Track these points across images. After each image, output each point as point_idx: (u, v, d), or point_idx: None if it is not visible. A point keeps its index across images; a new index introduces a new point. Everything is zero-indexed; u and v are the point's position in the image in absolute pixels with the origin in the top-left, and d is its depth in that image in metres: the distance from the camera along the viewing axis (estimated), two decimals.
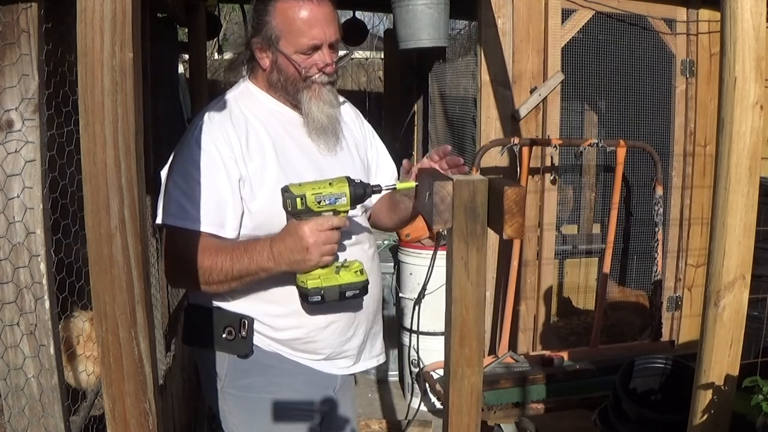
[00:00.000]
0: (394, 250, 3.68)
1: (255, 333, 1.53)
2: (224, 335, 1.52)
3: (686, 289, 3.70)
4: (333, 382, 1.64)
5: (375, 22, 8.54)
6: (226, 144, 1.47)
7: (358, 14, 5.27)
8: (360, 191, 1.40)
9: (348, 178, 1.41)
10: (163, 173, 1.55)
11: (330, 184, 1.39)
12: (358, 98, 7.41)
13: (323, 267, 1.42)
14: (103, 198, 0.99)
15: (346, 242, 1.55)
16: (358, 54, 7.25)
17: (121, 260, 1.01)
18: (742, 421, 1.50)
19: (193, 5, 3.59)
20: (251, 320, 1.52)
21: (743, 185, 1.39)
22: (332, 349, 1.58)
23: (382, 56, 5.96)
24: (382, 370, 3.83)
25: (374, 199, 1.65)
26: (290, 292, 1.50)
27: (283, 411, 1.57)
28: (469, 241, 1.11)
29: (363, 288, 1.46)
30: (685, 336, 3.66)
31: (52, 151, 1.71)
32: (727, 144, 1.40)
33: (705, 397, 1.48)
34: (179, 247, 1.45)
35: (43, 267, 1.64)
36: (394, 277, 3.67)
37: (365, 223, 1.67)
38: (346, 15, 5.48)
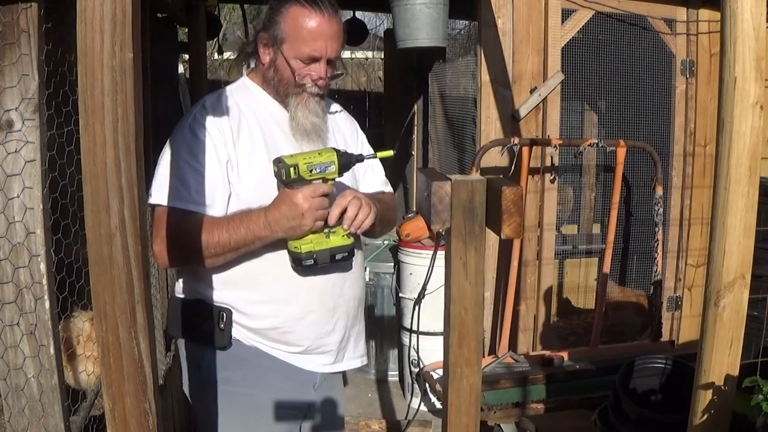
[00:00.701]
0: (394, 250, 3.68)
1: (234, 324, 1.57)
2: (204, 327, 1.57)
3: (686, 289, 3.70)
4: (312, 379, 1.65)
5: (375, 22, 8.54)
6: (217, 128, 1.54)
7: (358, 14, 5.27)
8: (346, 160, 1.53)
9: (334, 148, 1.53)
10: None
11: (319, 153, 1.50)
12: (358, 98, 7.41)
13: (314, 232, 1.51)
14: (103, 198, 0.99)
15: None
16: (358, 54, 7.24)
17: (121, 260, 1.01)
18: (742, 421, 1.50)
19: (193, 5, 3.59)
20: (230, 312, 1.57)
21: (743, 185, 1.39)
22: (310, 341, 1.61)
23: (382, 56, 5.95)
24: (382, 370, 3.83)
25: (366, 184, 1.75)
26: (268, 278, 1.56)
27: (259, 407, 1.59)
28: (468, 241, 1.11)
29: (351, 251, 1.57)
30: (685, 336, 3.66)
31: (52, 151, 1.71)
32: (727, 144, 1.40)
33: (705, 397, 1.48)
34: (172, 226, 1.50)
35: (43, 267, 1.64)
36: (394, 277, 3.67)
37: None
38: (346, 15, 5.48)
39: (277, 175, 1.49)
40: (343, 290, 1.64)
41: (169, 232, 1.51)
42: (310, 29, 1.54)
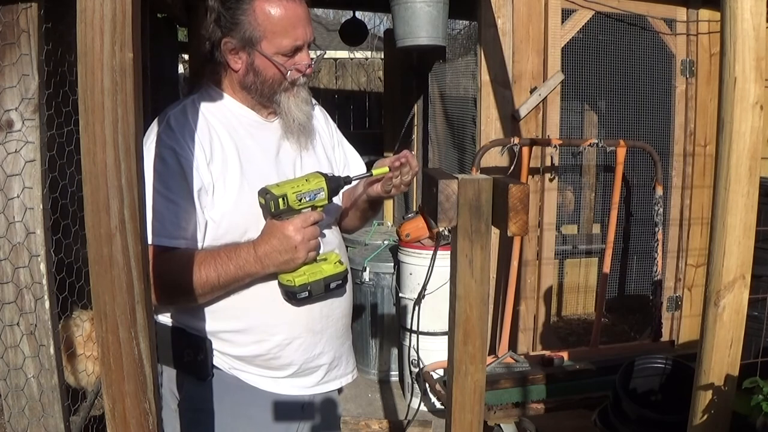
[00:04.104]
0: (394, 250, 3.68)
1: (215, 352, 1.48)
2: (184, 356, 1.49)
3: (686, 289, 3.70)
4: (296, 408, 1.56)
5: (375, 22, 8.55)
6: (187, 150, 1.42)
7: (358, 14, 5.27)
8: (335, 184, 1.45)
9: (320, 173, 1.46)
10: None
11: (307, 180, 1.43)
12: (358, 98, 7.42)
13: (306, 263, 1.45)
14: (103, 198, 0.99)
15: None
16: (358, 54, 7.25)
17: (121, 260, 1.01)
18: (742, 421, 1.50)
19: (193, 5, 3.60)
20: (210, 342, 1.48)
21: (743, 185, 1.39)
22: (298, 366, 1.53)
23: (382, 56, 5.96)
24: (382, 371, 3.83)
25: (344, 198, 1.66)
26: (250, 308, 1.47)
27: None
28: (474, 239, 1.12)
29: (344, 278, 1.51)
30: (685, 336, 3.66)
31: (52, 151, 1.71)
32: (727, 144, 1.39)
33: (705, 398, 1.48)
34: (155, 265, 1.33)
35: (43, 267, 1.64)
36: (394, 277, 3.67)
37: (337, 233, 1.64)
38: (346, 15, 5.48)
39: (264, 206, 1.41)
40: (331, 311, 1.55)
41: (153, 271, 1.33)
42: (287, 19, 1.43)
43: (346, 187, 1.53)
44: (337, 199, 1.56)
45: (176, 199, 1.39)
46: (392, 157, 1.55)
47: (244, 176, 1.46)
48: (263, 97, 1.50)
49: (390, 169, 1.51)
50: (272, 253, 1.39)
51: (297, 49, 1.47)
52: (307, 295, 1.44)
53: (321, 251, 1.50)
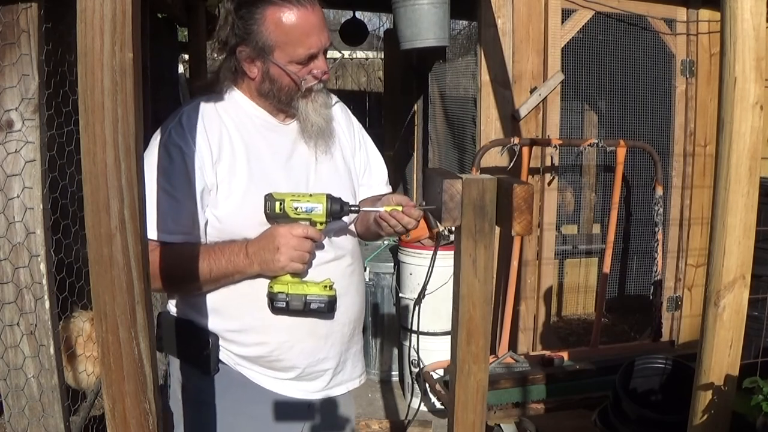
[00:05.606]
0: (394, 250, 3.68)
1: (221, 348, 1.50)
2: (191, 349, 1.51)
3: (686, 289, 3.70)
4: (301, 410, 1.57)
5: (375, 22, 8.54)
6: (195, 150, 1.43)
7: (358, 14, 5.27)
8: (336, 207, 1.44)
9: (328, 195, 1.45)
10: None
11: (310, 195, 1.45)
12: (358, 98, 7.41)
13: (293, 275, 1.45)
14: (103, 198, 0.99)
15: (325, 255, 1.52)
16: (358, 54, 7.25)
17: (121, 260, 1.01)
18: (742, 421, 1.50)
19: (193, 5, 3.60)
20: (216, 338, 1.49)
21: (743, 185, 1.39)
22: (301, 369, 1.53)
23: (382, 56, 5.95)
24: (383, 371, 3.83)
25: (366, 188, 1.66)
26: (254, 307, 1.48)
27: None
28: (478, 239, 1.12)
29: (329, 303, 1.48)
30: (685, 336, 3.66)
31: (52, 151, 1.71)
32: (727, 144, 1.39)
33: (705, 398, 1.48)
34: (152, 257, 1.34)
35: (43, 267, 1.64)
36: (394, 277, 3.67)
37: (351, 238, 1.62)
38: (346, 15, 5.48)
39: (264, 208, 1.44)
40: (337, 316, 1.54)
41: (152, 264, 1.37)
42: (299, 27, 1.41)
43: (352, 216, 1.53)
44: (346, 218, 1.54)
45: (179, 197, 1.41)
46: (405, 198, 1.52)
47: (252, 179, 1.46)
48: (281, 103, 1.50)
49: (403, 207, 1.46)
50: (258, 251, 1.42)
51: (312, 57, 1.46)
52: (283, 305, 1.45)
53: (323, 273, 1.49)
